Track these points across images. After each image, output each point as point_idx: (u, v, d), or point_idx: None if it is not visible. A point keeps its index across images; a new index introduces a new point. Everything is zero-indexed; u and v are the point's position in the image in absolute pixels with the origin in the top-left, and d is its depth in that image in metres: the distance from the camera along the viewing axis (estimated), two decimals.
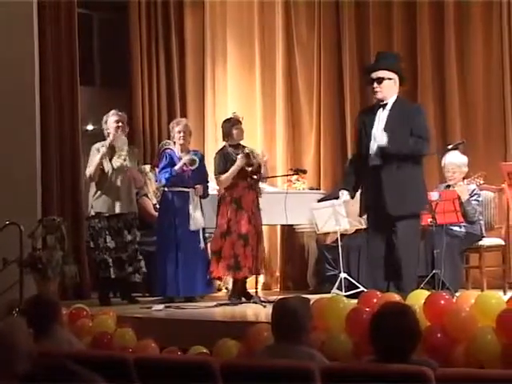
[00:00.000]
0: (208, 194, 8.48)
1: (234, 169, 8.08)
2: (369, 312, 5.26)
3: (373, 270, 6.76)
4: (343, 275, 8.01)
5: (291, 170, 9.14)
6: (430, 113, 8.60)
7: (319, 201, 8.89)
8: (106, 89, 11.02)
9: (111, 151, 8.40)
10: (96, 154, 8.39)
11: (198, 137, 10.15)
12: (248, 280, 8.33)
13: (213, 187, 8.53)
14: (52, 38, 9.20)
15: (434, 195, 7.38)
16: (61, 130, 9.24)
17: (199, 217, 8.27)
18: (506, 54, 8.90)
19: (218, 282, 8.94)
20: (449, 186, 8.00)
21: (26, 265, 7.90)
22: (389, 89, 6.60)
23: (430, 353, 4.90)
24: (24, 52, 8.81)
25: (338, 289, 7.92)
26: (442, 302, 5.49)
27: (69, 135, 9.30)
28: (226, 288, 8.91)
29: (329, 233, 8.63)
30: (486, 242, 7.99)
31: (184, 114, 10.29)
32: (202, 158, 8.52)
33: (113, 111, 8.47)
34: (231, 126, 8.26)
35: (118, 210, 8.34)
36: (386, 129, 6.52)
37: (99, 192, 8.38)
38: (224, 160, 8.15)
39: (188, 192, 8.29)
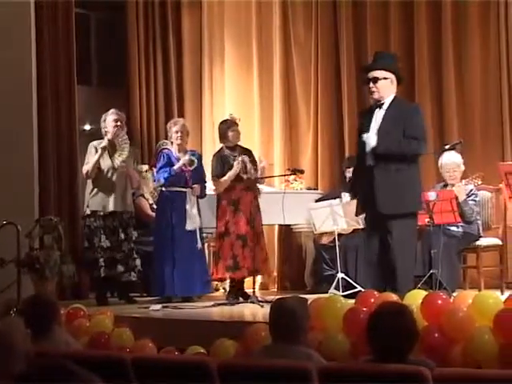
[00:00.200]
0: (205, 194, 8.47)
1: (230, 174, 8.11)
2: (366, 312, 5.25)
3: (370, 270, 6.76)
4: (341, 275, 8.02)
5: (289, 169, 9.13)
6: (427, 113, 8.58)
7: (317, 201, 8.90)
8: (104, 88, 11.02)
9: (111, 149, 8.40)
10: (93, 152, 8.38)
11: (196, 137, 10.14)
12: (246, 280, 8.34)
13: (210, 187, 8.54)
14: (49, 37, 9.20)
15: (431, 195, 7.38)
16: (58, 130, 9.23)
17: (196, 217, 8.27)
18: (503, 54, 8.90)
19: (215, 282, 8.94)
20: (446, 186, 8.00)
21: (23, 265, 7.89)
22: (385, 88, 6.56)
23: (427, 353, 4.90)
24: (21, 52, 8.80)
25: (335, 289, 7.92)
26: (440, 301, 5.49)
27: (66, 135, 9.29)
28: (224, 288, 8.91)
29: (326, 233, 8.63)
30: (484, 241, 7.99)
31: (181, 114, 10.29)
32: (199, 158, 8.52)
33: (112, 110, 8.47)
34: (227, 128, 8.26)
35: (111, 207, 8.32)
36: (380, 128, 6.50)
37: (96, 189, 8.37)
38: (221, 163, 8.17)
39: (185, 192, 8.29)
